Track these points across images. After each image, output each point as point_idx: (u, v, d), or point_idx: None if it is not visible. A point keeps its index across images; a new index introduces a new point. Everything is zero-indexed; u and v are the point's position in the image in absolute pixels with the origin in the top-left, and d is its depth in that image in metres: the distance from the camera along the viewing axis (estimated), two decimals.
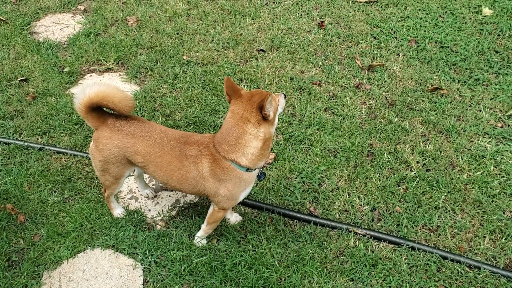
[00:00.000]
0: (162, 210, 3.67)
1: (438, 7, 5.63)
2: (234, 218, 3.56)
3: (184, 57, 5.05)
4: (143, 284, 3.19)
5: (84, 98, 2.91)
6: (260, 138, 2.78)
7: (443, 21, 5.45)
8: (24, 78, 4.80)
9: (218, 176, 2.90)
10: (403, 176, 3.87)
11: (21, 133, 4.25)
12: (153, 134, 3.00)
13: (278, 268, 3.25)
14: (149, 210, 3.68)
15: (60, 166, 3.95)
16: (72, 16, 5.74)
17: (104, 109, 3.09)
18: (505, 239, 3.43)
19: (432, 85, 4.67)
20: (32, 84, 4.74)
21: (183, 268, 3.24)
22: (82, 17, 5.70)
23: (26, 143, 4.09)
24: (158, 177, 3.07)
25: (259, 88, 4.65)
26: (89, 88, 2.90)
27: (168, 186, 3.16)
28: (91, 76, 4.90)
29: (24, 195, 3.71)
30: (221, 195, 2.97)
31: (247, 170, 2.88)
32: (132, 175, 3.83)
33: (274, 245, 3.40)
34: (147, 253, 3.34)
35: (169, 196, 3.79)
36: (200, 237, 3.37)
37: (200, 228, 3.38)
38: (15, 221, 3.53)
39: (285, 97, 3.00)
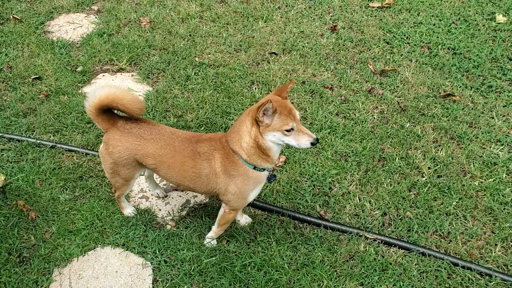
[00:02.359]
0: (173, 210, 3.68)
1: (451, 14, 5.62)
2: (244, 219, 3.56)
3: (196, 59, 5.06)
4: (153, 283, 3.19)
5: (94, 100, 2.91)
6: (251, 136, 2.78)
7: (456, 28, 5.44)
8: (37, 76, 4.84)
9: (229, 172, 2.91)
10: (415, 182, 3.85)
11: (34, 131, 4.28)
12: (163, 136, 3.00)
13: (288, 270, 3.24)
14: (160, 210, 3.69)
15: (71, 164, 3.96)
16: (85, 16, 5.78)
17: (115, 112, 3.10)
18: None
19: (444, 91, 4.65)
20: (45, 82, 4.78)
21: (192, 268, 3.24)
22: (96, 17, 5.74)
23: (38, 141, 4.12)
24: (170, 178, 3.07)
25: (270, 91, 4.65)
26: (99, 90, 2.90)
27: (181, 187, 3.16)
28: (103, 75, 4.92)
29: (35, 192, 3.73)
30: (231, 193, 2.97)
31: (255, 168, 2.89)
32: (143, 175, 3.84)
33: (283, 247, 3.39)
34: (157, 252, 3.34)
35: (180, 196, 3.80)
36: (210, 238, 3.37)
37: (210, 229, 3.38)
38: (26, 218, 3.54)
39: (312, 145, 2.77)
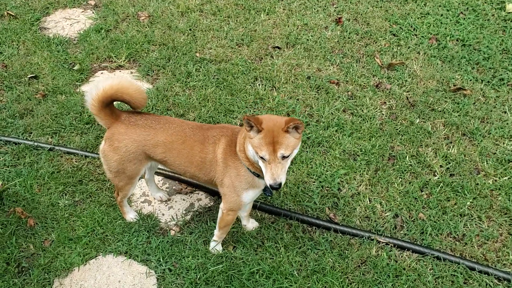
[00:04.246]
0: (176, 215, 3.54)
1: (459, 3, 5.44)
2: (251, 224, 3.43)
3: (197, 54, 4.90)
4: None
5: (98, 92, 2.84)
6: (242, 136, 2.79)
7: (464, 18, 5.26)
8: (33, 75, 4.68)
9: (226, 161, 2.87)
10: (426, 181, 3.71)
11: (31, 133, 4.13)
12: (172, 124, 2.98)
13: (298, 278, 3.11)
14: (163, 215, 3.56)
15: (71, 168, 3.83)
16: (82, 11, 5.60)
17: (116, 106, 3.03)
18: None
19: (454, 85, 4.50)
20: (42, 81, 4.62)
21: (198, 277, 3.11)
22: (93, 12, 5.57)
23: (36, 143, 3.98)
24: (178, 165, 3.00)
25: (275, 87, 4.50)
26: (103, 82, 2.85)
27: (186, 175, 3.09)
28: (102, 73, 4.77)
29: (34, 197, 3.59)
30: (225, 185, 2.91)
31: (248, 168, 2.81)
32: (143, 178, 3.70)
33: (292, 253, 3.26)
34: (161, 260, 3.21)
35: (183, 200, 3.66)
36: (215, 242, 3.24)
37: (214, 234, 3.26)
38: (25, 225, 3.41)
39: (272, 187, 2.58)
